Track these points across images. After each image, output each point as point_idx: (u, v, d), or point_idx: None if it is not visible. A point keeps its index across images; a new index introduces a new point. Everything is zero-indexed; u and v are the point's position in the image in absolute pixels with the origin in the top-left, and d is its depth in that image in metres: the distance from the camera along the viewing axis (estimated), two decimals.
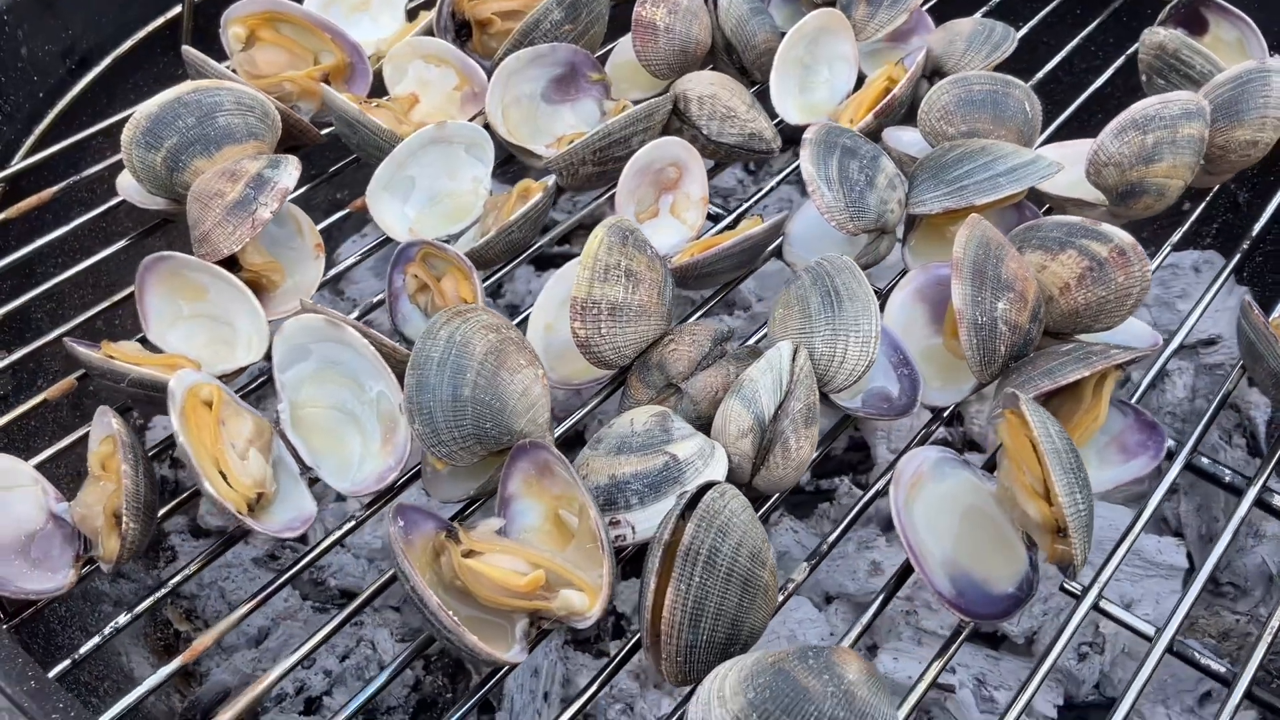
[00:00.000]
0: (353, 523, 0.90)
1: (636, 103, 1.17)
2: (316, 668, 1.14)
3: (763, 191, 1.19)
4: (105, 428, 0.85)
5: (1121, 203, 1.08)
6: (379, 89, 1.22)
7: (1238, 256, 1.15)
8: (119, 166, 1.15)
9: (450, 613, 0.74)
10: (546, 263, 1.64)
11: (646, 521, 0.84)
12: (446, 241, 1.08)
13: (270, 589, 0.85)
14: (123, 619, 0.83)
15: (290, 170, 0.99)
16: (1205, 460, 0.98)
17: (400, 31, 1.27)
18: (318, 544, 0.89)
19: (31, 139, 1.23)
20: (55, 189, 1.13)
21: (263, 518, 0.85)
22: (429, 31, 1.25)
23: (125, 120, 1.21)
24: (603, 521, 0.79)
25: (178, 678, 1.16)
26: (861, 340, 0.89)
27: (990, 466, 0.95)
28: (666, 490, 0.84)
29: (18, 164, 1.19)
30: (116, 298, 1.04)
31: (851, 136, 1.05)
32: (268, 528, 0.83)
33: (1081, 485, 0.79)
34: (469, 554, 0.81)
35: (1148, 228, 1.16)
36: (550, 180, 1.07)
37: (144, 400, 0.91)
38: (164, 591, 0.86)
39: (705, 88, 1.16)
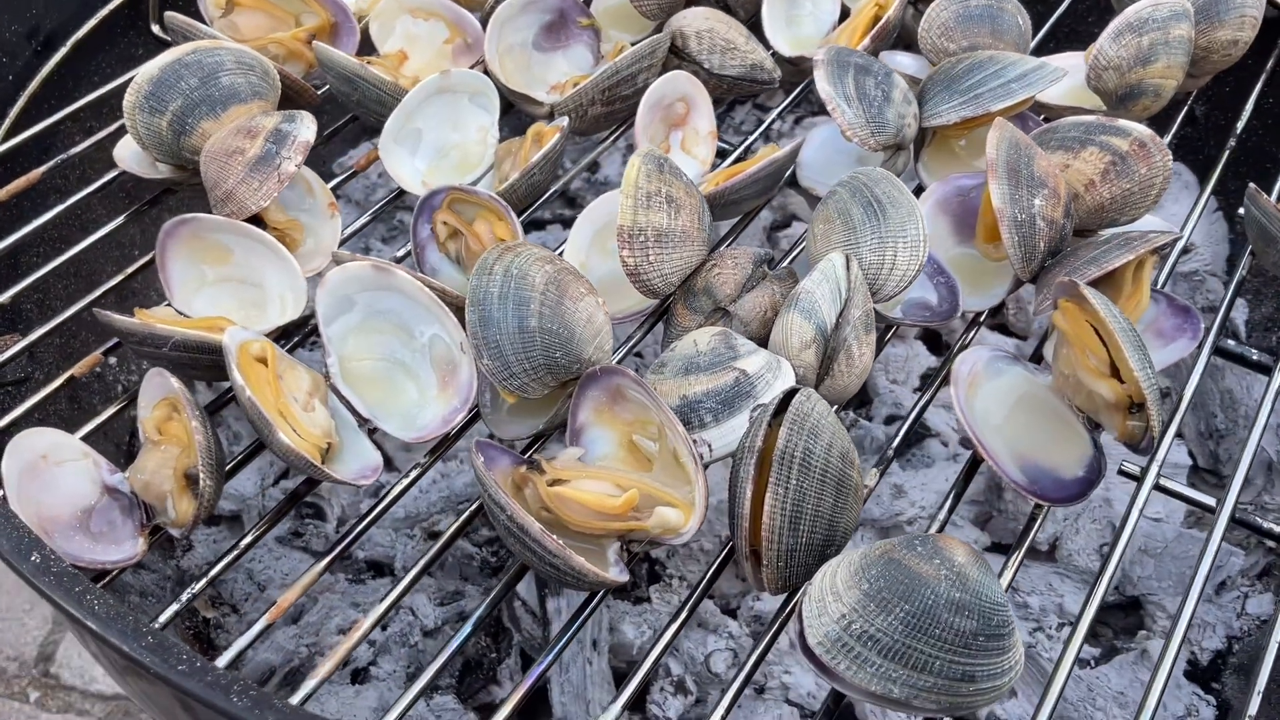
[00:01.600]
0: (417, 470, 0.88)
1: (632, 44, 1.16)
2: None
3: (765, 123, 1.19)
4: (162, 389, 0.82)
5: (1120, 105, 1.10)
6: (365, 49, 1.20)
7: (1224, 160, 1.18)
8: (105, 144, 1.11)
9: (554, 537, 0.73)
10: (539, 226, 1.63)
11: (723, 438, 0.84)
12: None
13: (345, 542, 0.83)
14: (169, 611, 0.78)
15: (307, 124, 0.97)
16: (1231, 342, 1.01)
17: None
18: (368, 512, 0.86)
19: (4, 126, 1.18)
20: (44, 168, 1.09)
21: (335, 468, 0.83)
22: None
23: (95, 103, 1.18)
24: (687, 436, 0.79)
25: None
26: (910, 245, 0.90)
27: (1036, 359, 0.97)
28: (739, 405, 0.84)
29: None
30: (132, 269, 1.00)
31: (861, 55, 1.06)
32: (345, 475, 0.81)
33: (1149, 361, 0.81)
34: (554, 483, 0.80)
35: None
36: (564, 121, 1.06)
37: (188, 365, 0.88)
38: (225, 563, 0.83)
39: (702, 22, 1.16)
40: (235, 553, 0.83)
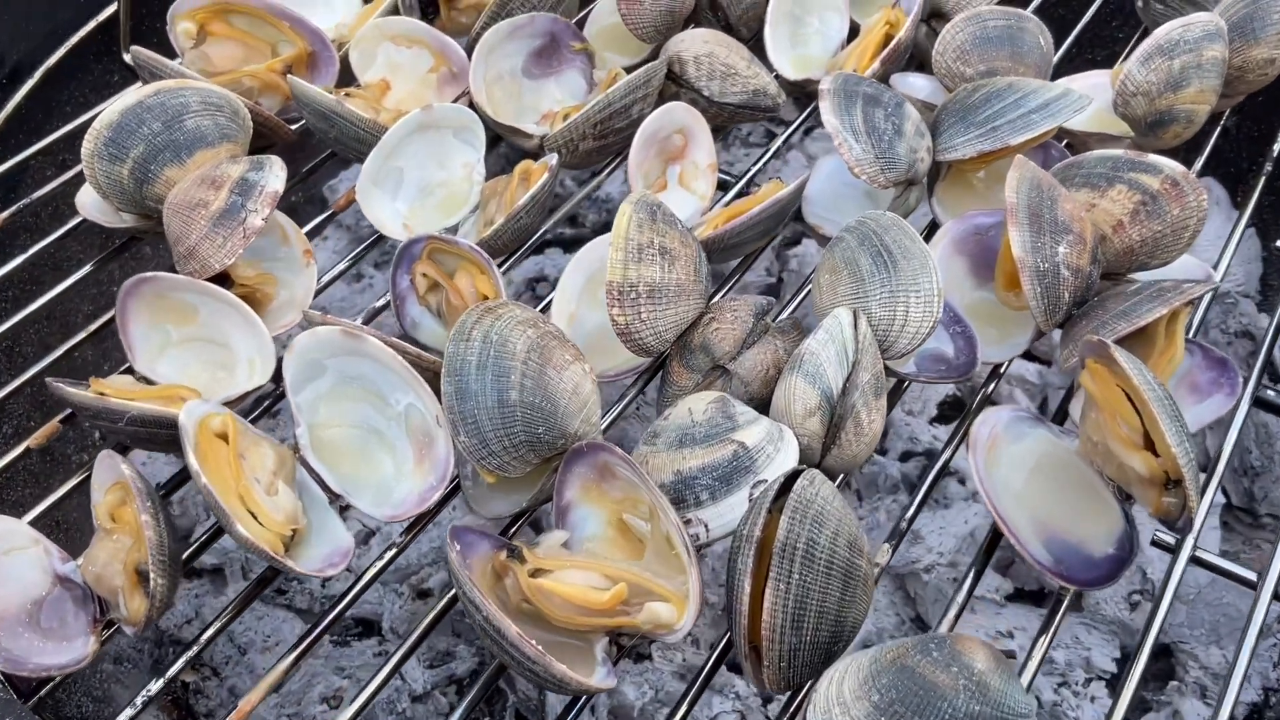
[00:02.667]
0: (393, 550, 0.82)
1: (626, 71, 1.10)
2: (344, 705, 1.06)
3: (769, 152, 1.12)
4: (112, 473, 0.76)
5: (1150, 133, 1.03)
6: (345, 78, 1.13)
7: (1262, 181, 1.11)
8: (72, 185, 1.06)
9: (533, 642, 0.67)
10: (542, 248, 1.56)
11: (721, 517, 0.77)
12: (446, 232, 1.00)
13: (314, 634, 0.77)
14: (155, 685, 0.74)
15: (275, 171, 0.91)
16: (1272, 392, 0.94)
17: (362, 14, 1.18)
18: (356, 579, 0.81)
19: None
20: (7, 213, 1.03)
21: (299, 556, 0.77)
22: (394, 11, 1.16)
23: (68, 136, 1.12)
24: (680, 523, 0.73)
25: None
26: (923, 300, 0.83)
27: (1060, 419, 0.90)
28: (739, 481, 0.78)
29: None
30: (93, 327, 0.94)
31: (870, 84, 0.99)
32: (308, 566, 0.75)
33: (1186, 432, 0.74)
34: (536, 573, 0.73)
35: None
36: (553, 159, 0.99)
37: (145, 439, 0.82)
38: (195, 651, 0.77)
39: (700, 46, 1.09)
40: (213, 630, 0.77)
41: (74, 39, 1.22)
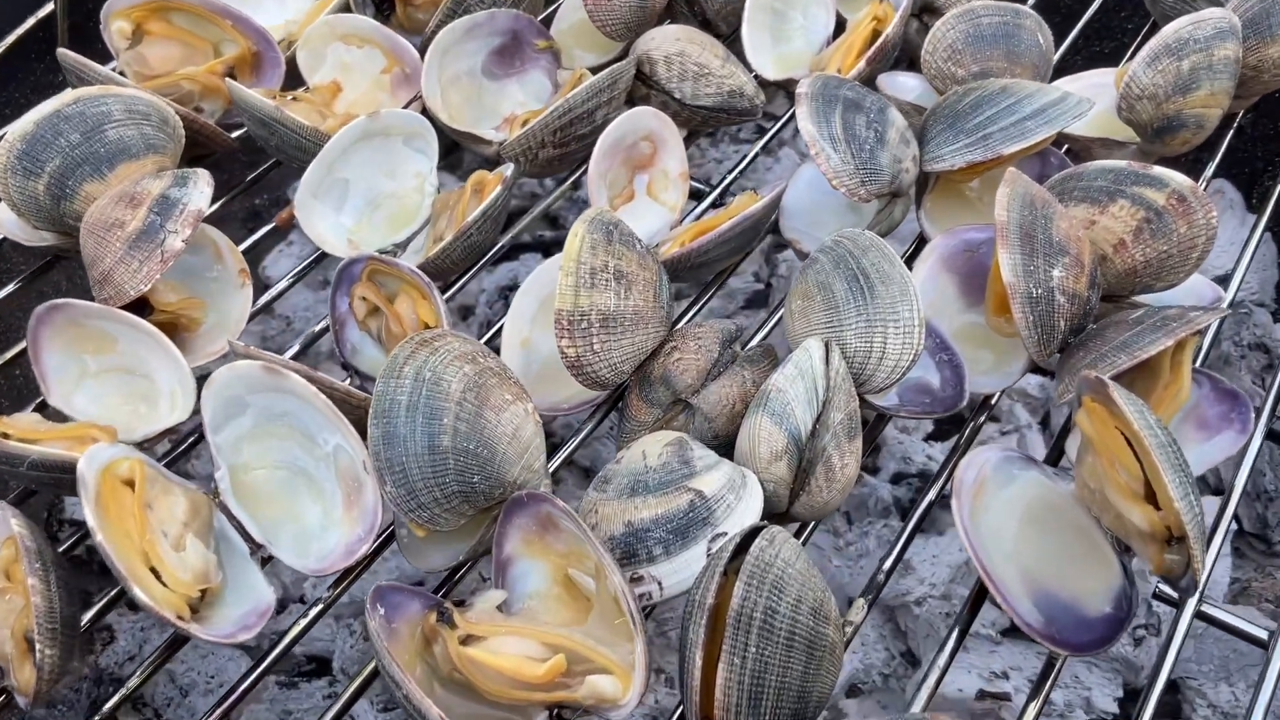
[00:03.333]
0: (318, 607, 0.75)
1: (594, 70, 1.02)
2: None
3: (746, 159, 1.05)
4: (4, 528, 0.69)
5: (1157, 139, 0.95)
6: (294, 79, 1.06)
7: (1277, 194, 1.03)
8: None
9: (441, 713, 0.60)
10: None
11: (675, 574, 0.70)
12: (393, 251, 0.93)
13: (247, 683, 0.70)
14: None
15: (200, 187, 0.83)
16: None
17: (312, 11, 1.10)
18: (284, 633, 0.74)
19: None
20: None
21: (210, 616, 0.70)
22: (345, 8, 1.09)
23: None
24: (627, 586, 0.65)
25: None
26: (902, 330, 0.76)
27: (1056, 457, 0.82)
28: (695, 535, 0.70)
29: None
30: (8, 355, 0.87)
31: (852, 87, 0.91)
32: (217, 632, 0.68)
33: (1192, 483, 0.67)
34: (467, 639, 0.66)
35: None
36: (508, 169, 0.92)
37: (51, 484, 0.75)
38: (122, 695, 0.71)
39: (671, 45, 1.01)
40: (147, 672, 0.71)
41: (11, 38, 1.15)
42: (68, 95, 0.87)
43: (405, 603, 0.68)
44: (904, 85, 1.03)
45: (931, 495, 0.80)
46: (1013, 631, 1.11)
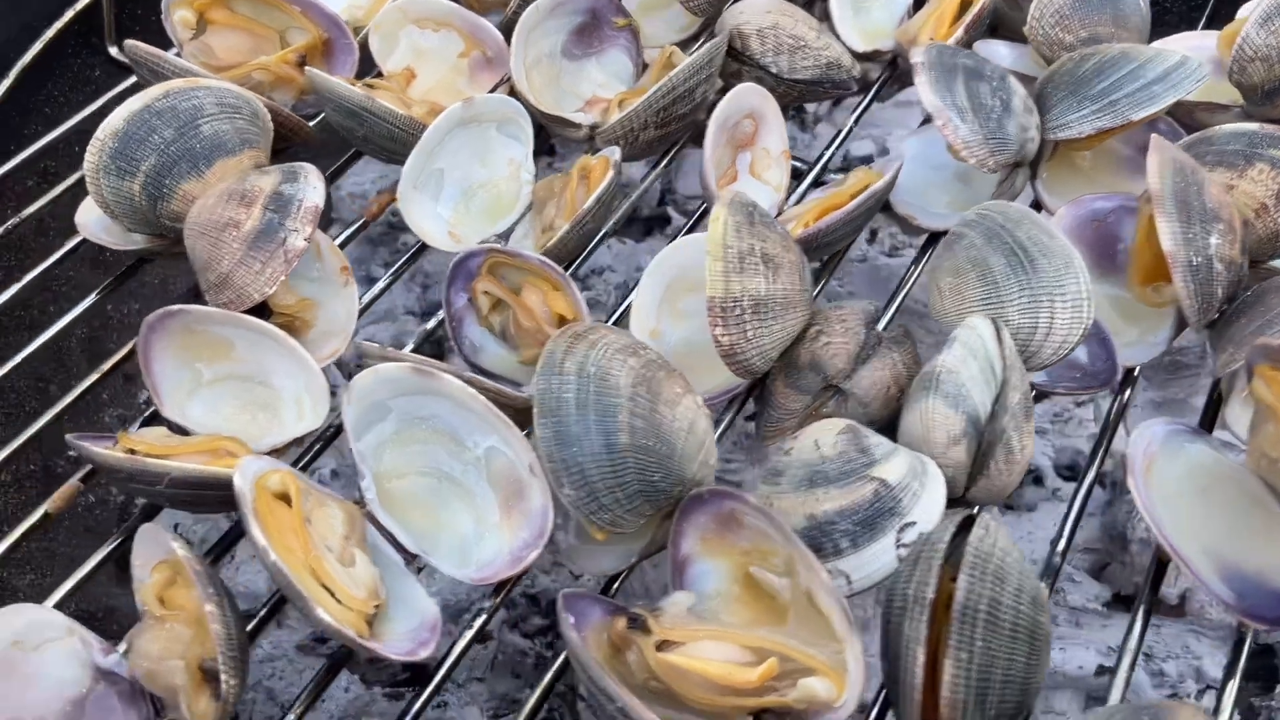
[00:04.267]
0: (482, 618, 0.71)
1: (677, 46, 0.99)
2: None
3: (842, 134, 1.02)
4: (160, 550, 0.65)
5: (1267, 101, 0.93)
6: (364, 66, 1.01)
7: None
8: (67, 198, 0.93)
9: None
10: None
11: (864, 568, 0.68)
12: (497, 242, 0.89)
13: (419, 704, 0.67)
14: None
15: (313, 182, 0.79)
16: None
17: None
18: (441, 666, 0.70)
19: None
20: None
21: (383, 634, 0.66)
22: None
23: (58, 142, 1.00)
24: (831, 584, 0.63)
25: None
26: (1070, 304, 0.74)
27: (1209, 426, 0.81)
28: (882, 526, 0.68)
29: None
30: (106, 367, 0.83)
31: (969, 55, 0.89)
32: (395, 649, 0.64)
33: None
34: (663, 645, 0.63)
35: None
36: (615, 153, 0.88)
37: (189, 502, 0.71)
38: None
39: (763, 18, 0.98)
40: (312, 696, 0.67)
41: (50, 32, 1.09)
42: (156, 90, 0.82)
43: (588, 610, 0.65)
44: (999, 54, 1.00)
45: (1091, 476, 0.78)
46: (1117, 601, 1.10)
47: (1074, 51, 0.92)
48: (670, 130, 0.94)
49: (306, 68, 0.92)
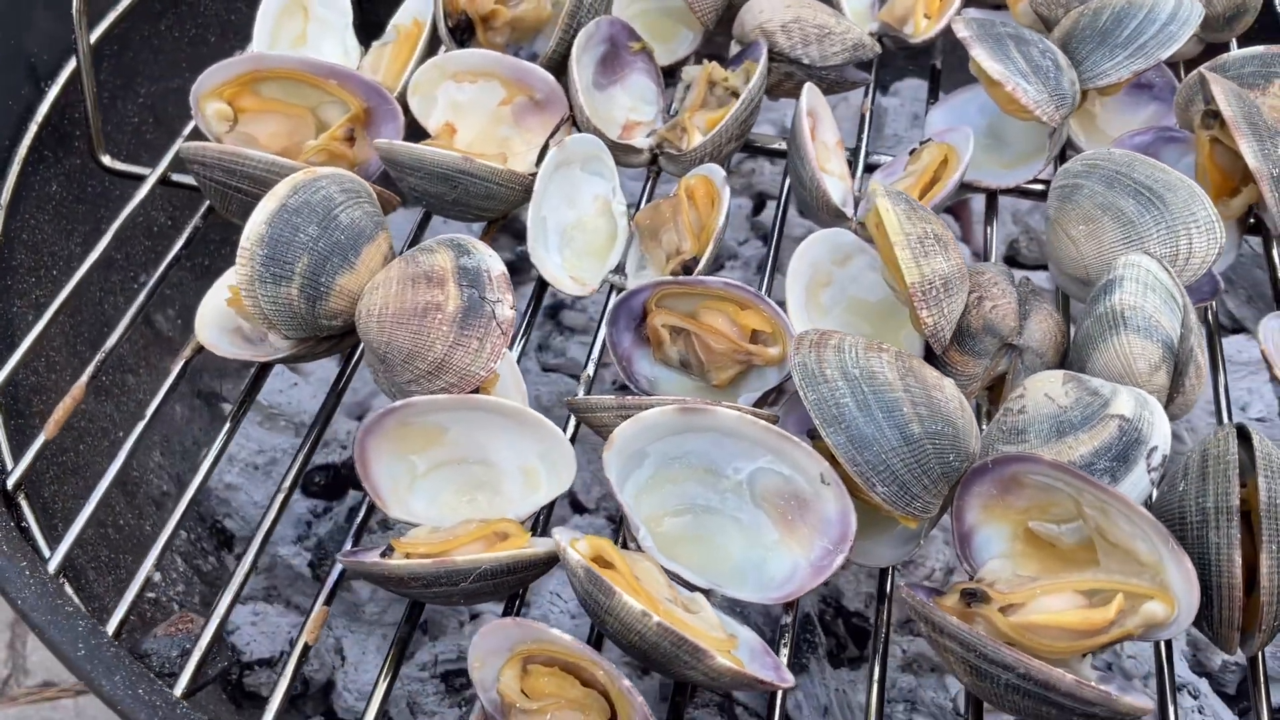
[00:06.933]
0: (786, 638, 0.73)
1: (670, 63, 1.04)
2: None
3: (868, 116, 1.07)
4: (506, 642, 0.64)
5: (1226, 27, 1.06)
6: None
7: None
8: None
9: (1091, 683, 0.61)
10: None
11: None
12: (623, 277, 0.90)
13: None
14: None
15: (486, 250, 0.78)
16: None
17: (394, 55, 1.03)
18: None
19: None
20: (87, 375, 0.83)
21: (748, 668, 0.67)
22: (430, 45, 1.03)
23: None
24: (1151, 517, 0.68)
25: None
26: (1204, 229, 0.82)
27: None
28: (1133, 457, 0.73)
29: None
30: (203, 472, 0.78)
31: (1004, 22, 0.97)
32: (781, 679, 0.66)
33: None
34: (1005, 609, 0.68)
35: None
36: (720, 173, 0.91)
37: (490, 592, 0.69)
38: None
39: (783, 13, 1.02)
40: None
41: (22, 148, 1.00)
42: (282, 188, 0.77)
43: (919, 594, 0.68)
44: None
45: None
46: None
47: (1077, 8, 1.00)
48: (742, 140, 0.97)
49: (379, 140, 0.89)
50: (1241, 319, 1.31)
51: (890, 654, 1.07)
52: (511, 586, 0.70)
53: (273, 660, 1.00)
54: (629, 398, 0.75)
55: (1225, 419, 0.86)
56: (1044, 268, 1.43)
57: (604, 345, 0.86)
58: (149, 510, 1.07)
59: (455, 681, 1.01)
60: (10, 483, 0.78)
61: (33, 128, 1.01)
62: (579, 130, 0.97)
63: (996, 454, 0.72)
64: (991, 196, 1.00)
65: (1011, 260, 1.41)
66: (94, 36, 1.01)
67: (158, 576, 1.02)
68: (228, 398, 1.22)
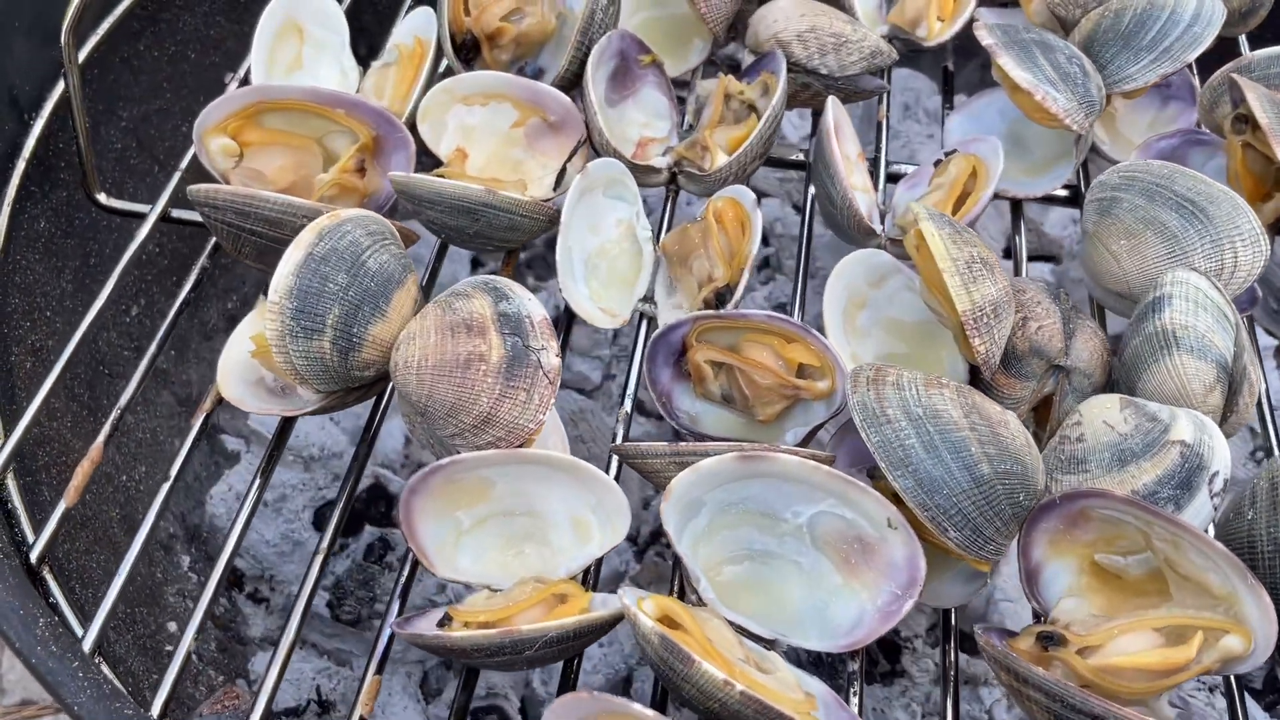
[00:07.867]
0: (855, 688, 0.71)
1: (696, 69, 1.02)
2: None
3: (883, 126, 1.05)
4: (581, 712, 0.61)
5: (1241, 22, 1.05)
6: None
7: None
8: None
9: None
10: None
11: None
12: (653, 305, 0.88)
13: None
14: None
15: (521, 294, 0.75)
16: None
17: (398, 79, 0.99)
18: None
19: None
20: (104, 434, 0.80)
21: None
22: (434, 69, 0.99)
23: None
24: (1223, 548, 0.66)
25: None
26: (1249, 242, 0.81)
27: None
28: (1196, 483, 0.72)
29: None
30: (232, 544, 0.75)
31: (1026, 28, 0.94)
32: None
33: None
34: (1082, 652, 0.66)
35: None
36: (749, 195, 0.88)
37: (553, 658, 0.67)
38: None
39: (798, 23, 0.99)
40: None
41: (10, 191, 0.95)
42: (307, 235, 0.74)
43: (994, 640, 0.67)
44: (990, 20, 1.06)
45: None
46: None
47: (1096, 9, 0.98)
48: (765, 155, 0.94)
49: (395, 174, 0.86)
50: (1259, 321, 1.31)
51: (924, 668, 1.06)
52: (575, 650, 0.68)
53: (299, 710, 0.97)
54: (682, 444, 0.72)
55: (1274, 434, 0.85)
56: (1041, 259, 1.42)
57: (638, 379, 0.84)
58: (158, 556, 1.03)
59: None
60: (34, 556, 0.74)
61: (20, 165, 0.96)
62: (596, 151, 0.93)
63: (1057, 484, 0.70)
64: (1016, 205, 0.99)
65: (1008, 255, 1.40)
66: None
67: (173, 626, 0.98)
68: (226, 429, 1.18)
